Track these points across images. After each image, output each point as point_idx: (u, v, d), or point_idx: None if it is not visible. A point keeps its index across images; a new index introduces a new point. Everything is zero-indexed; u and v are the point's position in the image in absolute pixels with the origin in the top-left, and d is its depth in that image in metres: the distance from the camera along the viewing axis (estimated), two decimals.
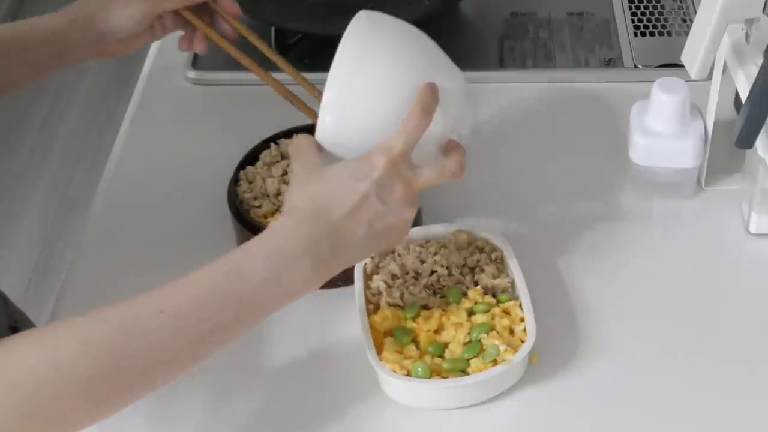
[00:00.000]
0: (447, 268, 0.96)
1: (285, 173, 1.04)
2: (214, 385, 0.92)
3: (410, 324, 0.92)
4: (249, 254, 0.78)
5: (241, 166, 1.06)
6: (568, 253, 1.02)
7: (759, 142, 0.94)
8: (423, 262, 0.96)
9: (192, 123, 1.22)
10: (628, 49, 1.27)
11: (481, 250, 0.97)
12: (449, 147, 0.86)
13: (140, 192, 1.13)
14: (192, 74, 1.26)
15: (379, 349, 0.89)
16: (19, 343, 0.71)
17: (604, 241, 1.03)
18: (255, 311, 0.77)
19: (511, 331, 0.91)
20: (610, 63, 1.26)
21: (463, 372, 0.88)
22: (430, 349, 0.90)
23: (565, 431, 0.88)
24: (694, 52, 0.98)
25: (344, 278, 0.90)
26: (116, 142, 1.20)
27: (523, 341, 0.89)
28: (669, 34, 1.29)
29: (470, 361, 0.88)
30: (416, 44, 0.85)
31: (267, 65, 1.00)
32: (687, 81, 1.01)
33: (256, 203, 1.02)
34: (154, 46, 1.30)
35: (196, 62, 1.27)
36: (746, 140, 0.94)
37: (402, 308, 0.93)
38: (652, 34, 1.29)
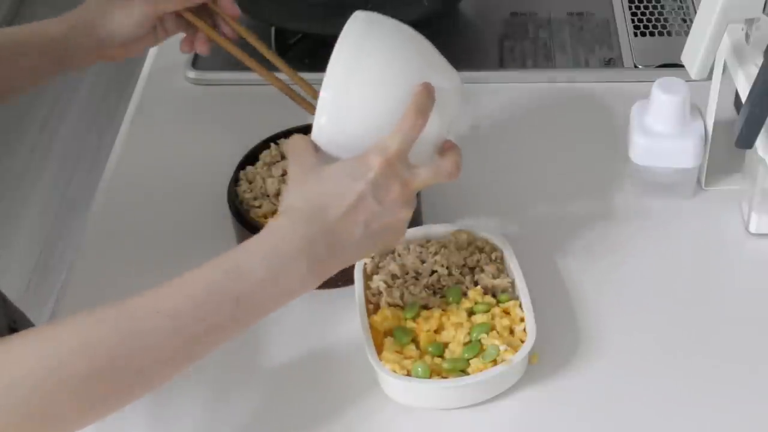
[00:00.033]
0: (447, 268, 0.96)
1: (285, 173, 1.04)
2: (214, 384, 0.92)
3: (410, 324, 0.92)
4: (246, 254, 0.78)
5: (241, 166, 1.06)
6: (568, 253, 1.02)
7: (759, 142, 0.94)
8: (423, 262, 0.96)
9: (192, 123, 1.22)
10: (628, 49, 1.27)
11: (481, 250, 0.97)
12: (445, 147, 0.86)
13: (140, 192, 1.13)
14: (192, 74, 1.26)
15: (379, 349, 0.89)
16: (17, 343, 0.71)
17: (604, 241, 1.03)
18: (252, 311, 0.77)
19: (511, 331, 0.91)
20: (610, 63, 1.26)
21: (463, 372, 0.88)
22: (430, 349, 0.90)
23: (565, 431, 0.88)
24: (694, 52, 0.98)
25: (344, 278, 0.90)
26: (116, 142, 1.20)
27: (523, 341, 0.89)
28: (669, 34, 1.29)
29: (470, 361, 0.88)
30: (412, 44, 0.85)
31: (266, 66, 1.00)
32: (687, 81, 1.01)
33: (256, 203, 1.02)
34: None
35: (196, 62, 1.27)
36: (746, 140, 0.94)
37: (402, 308, 0.93)
38: (652, 34, 1.29)
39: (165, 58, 1.28)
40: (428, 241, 0.98)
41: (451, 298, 0.93)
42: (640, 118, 1.04)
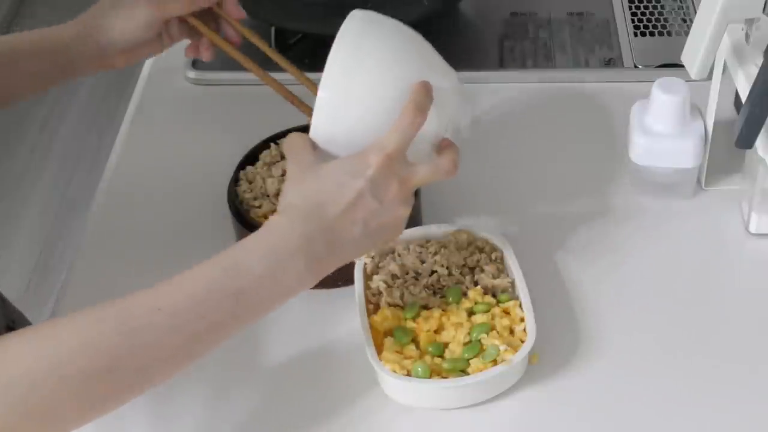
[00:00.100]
0: (447, 268, 0.96)
1: (285, 173, 1.03)
2: (214, 383, 0.92)
3: (410, 324, 0.92)
4: (245, 252, 0.78)
5: (241, 166, 1.06)
6: (568, 253, 1.02)
7: (759, 142, 0.94)
8: (423, 262, 0.96)
9: (192, 123, 1.22)
10: (628, 49, 1.27)
11: (481, 250, 0.97)
12: (443, 145, 0.86)
13: (140, 192, 1.13)
14: (192, 74, 1.26)
15: (379, 349, 0.89)
16: (15, 341, 0.71)
17: (604, 241, 1.03)
18: (251, 308, 0.77)
19: (511, 331, 0.91)
20: (610, 63, 1.26)
21: (463, 372, 0.88)
22: (430, 349, 0.90)
23: (565, 431, 0.88)
24: (694, 52, 0.98)
25: (344, 278, 0.90)
26: (116, 142, 1.20)
27: (523, 341, 0.89)
28: (669, 34, 1.29)
29: (470, 361, 0.88)
30: (409, 43, 0.85)
31: (269, 65, 1.00)
32: (687, 81, 1.01)
33: (256, 203, 1.02)
34: None
35: (196, 62, 1.27)
36: (746, 140, 0.94)
37: (402, 308, 0.93)
38: (652, 34, 1.29)
39: (165, 59, 1.27)
40: (428, 241, 0.98)
41: (451, 298, 0.93)
42: (640, 118, 1.04)
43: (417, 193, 0.99)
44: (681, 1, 1.33)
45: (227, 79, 1.25)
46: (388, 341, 0.90)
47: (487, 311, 0.92)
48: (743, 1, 0.94)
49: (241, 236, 0.99)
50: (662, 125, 1.02)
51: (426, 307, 0.93)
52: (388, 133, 0.81)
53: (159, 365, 0.75)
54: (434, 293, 0.94)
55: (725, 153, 1.05)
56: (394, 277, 0.95)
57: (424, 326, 0.91)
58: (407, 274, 0.96)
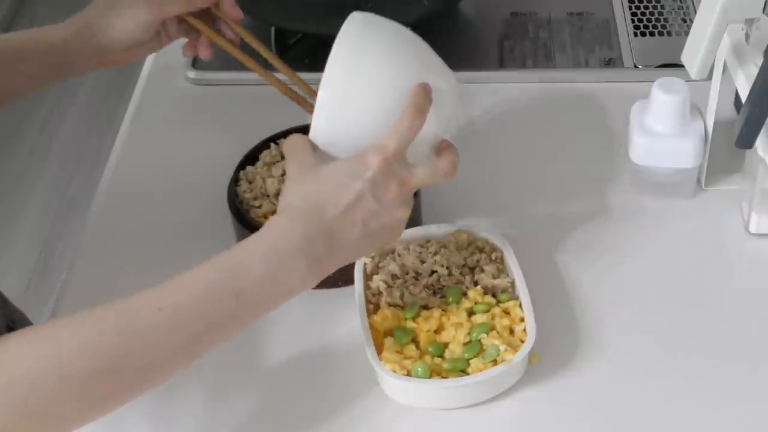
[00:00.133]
0: (447, 268, 0.96)
1: (285, 173, 1.03)
2: (214, 384, 0.92)
3: (410, 324, 0.92)
4: (245, 252, 0.78)
5: (241, 166, 1.06)
6: (568, 253, 1.02)
7: (759, 142, 0.94)
8: (423, 262, 0.96)
9: (192, 123, 1.22)
10: (628, 49, 1.27)
11: (481, 250, 0.97)
12: (442, 147, 0.86)
13: (140, 192, 1.13)
14: (192, 74, 1.26)
15: (379, 349, 0.89)
16: (15, 341, 0.71)
17: (604, 241, 1.03)
18: (251, 309, 0.77)
19: (511, 331, 0.91)
20: (610, 63, 1.26)
21: (463, 372, 0.88)
22: (430, 349, 0.90)
23: (565, 431, 0.88)
24: (694, 52, 0.98)
25: (344, 278, 0.90)
26: (116, 143, 1.20)
27: (523, 341, 0.89)
28: (669, 34, 1.29)
29: (470, 361, 0.88)
30: (409, 45, 0.85)
31: (265, 67, 1.00)
32: (687, 81, 1.01)
33: (256, 203, 1.02)
34: None
35: (196, 62, 1.27)
36: (746, 140, 0.94)
37: (402, 308, 0.93)
38: (652, 34, 1.29)
39: (165, 59, 1.28)
40: (428, 241, 0.98)
41: (451, 298, 0.93)
42: (640, 118, 1.04)
43: (417, 194, 0.99)
44: (681, 1, 1.33)
45: (227, 79, 1.25)
46: (388, 341, 0.90)
47: (487, 311, 0.92)
48: (743, 1, 0.94)
49: (241, 236, 0.99)
50: (662, 125, 1.02)
51: (426, 307, 0.93)
52: (387, 135, 0.81)
53: (159, 365, 0.75)
54: (434, 293, 0.94)
55: (725, 153, 1.05)
56: (394, 277, 0.95)
57: (424, 326, 0.91)
58: (407, 274, 0.96)
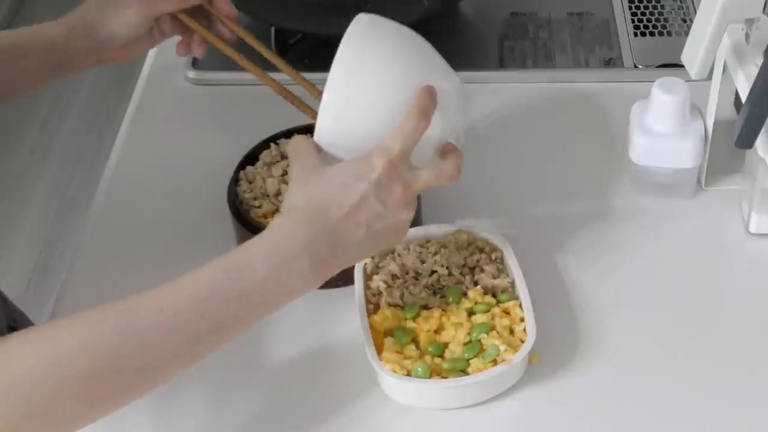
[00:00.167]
0: (447, 268, 0.96)
1: (285, 173, 1.04)
2: (215, 384, 0.92)
3: (410, 324, 0.92)
4: (248, 253, 0.78)
5: (241, 166, 1.06)
6: (569, 253, 1.02)
7: (759, 142, 0.94)
8: (423, 262, 0.96)
9: (192, 123, 1.22)
10: (628, 49, 1.27)
11: (481, 250, 0.97)
12: (446, 149, 0.86)
13: (140, 192, 1.13)
14: (192, 74, 1.26)
15: (379, 349, 0.89)
16: (17, 342, 0.71)
17: (604, 241, 1.03)
18: (254, 310, 0.77)
19: (511, 331, 0.91)
20: (610, 63, 1.26)
21: (463, 372, 0.88)
22: (430, 349, 0.90)
23: (565, 431, 0.88)
24: (694, 52, 0.98)
25: (344, 278, 0.90)
26: (116, 143, 1.20)
27: (523, 341, 0.89)
28: (669, 34, 1.29)
29: (470, 361, 0.88)
30: (413, 47, 0.85)
31: (266, 66, 1.00)
32: (687, 81, 1.01)
33: (256, 203, 1.02)
34: None
35: (195, 62, 1.27)
36: (746, 140, 0.94)
37: (402, 308, 0.93)
38: (652, 34, 1.29)
39: (165, 58, 1.28)
40: (428, 241, 0.98)
41: (451, 298, 0.93)
42: (640, 118, 1.04)
43: (417, 195, 0.99)
44: (681, 1, 1.33)
45: (227, 79, 1.25)
46: (388, 341, 0.90)
47: (487, 311, 0.92)
48: (743, 1, 0.94)
49: (241, 236, 0.99)
50: (662, 125, 1.02)
51: (426, 307, 0.93)
52: (392, 137, 0.81)
53: (161, 366, 0.75)
54: (434, 293, 0.94)
55: (725, 153, 1.05)
56: (394, 277, 0.95)
57: (424, 326, 0.91)
58: (407, 274, 0.96)
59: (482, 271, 0.95)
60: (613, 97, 1.20)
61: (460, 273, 0.96)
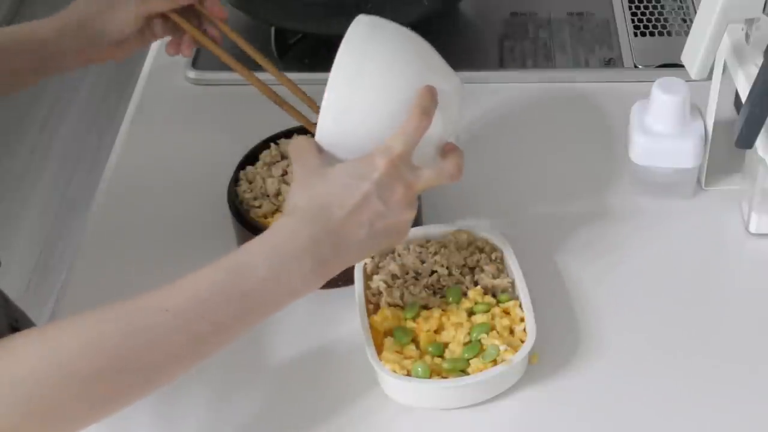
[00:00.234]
0: (447, 268, 0.96)
1: (285, 173, 1.04)
2: (216, 384, 0.92)
3: (410, 324, 0.92)
4: (250, 254, 0.78)
5: (241, 166, 1.06)
6: (569, 253, 1.02)
7: (759, 142, 0.94)
8: (423, 262, 0.96)
9: (192, 123, 1.22)
10: (628, 49, 1.27)
11: (481, 250, 0.97)
12: (447, 149, 0.86)
13: (140, 192, 1.13)
14: (192, 74, 1.26)
15: (379, 349, 0.89)
16: (19, 342, 0.71)
17: (604, 241, 1.03)
18: (255, 310, 0.77)
19: (511, 331, 0.91)
20: (610, 63, 1.26)
21: (463, 372, 0.88)
22: (430, 349, 0.90)
23: (565, 431, 0.88)
24: (694, 52, 0.98)
25: (344, 278, 0.90)
26: (116, 142, 1.20)
27: (523, 341, 0.89)
28: (669, 34, 1.29)
29: (470, 361, 0.88)
30: (414, 48, 0.86)
31: (259, 70, 1.00)
32: (687, 81, 1.01)
33: (256, 203, 1.02)
34: (154, 45, 1.30)
35: (196, 62, 1.27)
36: (746, 140, 0.94)
37: (402, 308, 0.93)
38: (652, 34, 1.29)
39: (165, 58, 1.27)
40: (428, 241, 0.98)
41: (451, 298, 0.93)
42: (640, 118, 1.04)
43: (418, 195, 0.99)
44: (681, 1, 1.33)
45: (227, 79, 1.24)
46: (388, 341, 0.90)
47: (487, 311, 0.92)
48: (743, 1, 0.94)
49: (241, 236, 0.99)
50: (662, 125, 1.02)
51: (426, 307, 0.93)
52: (393, 137, 0.81)
53: (162, 366, 0.75)
54: (434, 293, 0.94)
55: (725, 153, 1.05)
56: (394, 277, 0.95)
57: (424, 326, 0.91)
58: (407, 274, 0.96)
59: (482, 271, 0.95)
60: (613, 97, 1.20)
61: (460, 273, 0.96)
